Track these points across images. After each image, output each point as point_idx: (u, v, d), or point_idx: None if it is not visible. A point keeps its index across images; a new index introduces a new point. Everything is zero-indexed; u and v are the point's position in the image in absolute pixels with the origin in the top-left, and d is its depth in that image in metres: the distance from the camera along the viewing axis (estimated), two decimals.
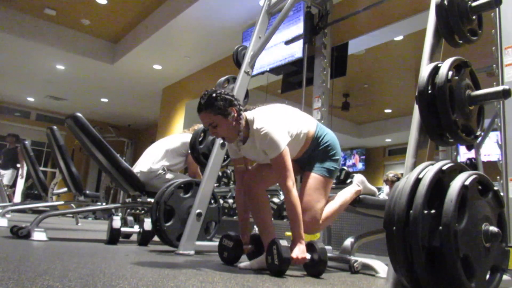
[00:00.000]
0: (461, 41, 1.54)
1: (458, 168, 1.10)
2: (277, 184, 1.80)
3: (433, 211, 1.02)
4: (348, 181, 3.79)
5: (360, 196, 2.05)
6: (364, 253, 2.82)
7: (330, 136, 1.97)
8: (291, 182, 1.72)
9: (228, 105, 1.75)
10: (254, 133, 1.77)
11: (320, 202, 1.87)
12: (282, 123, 1.81)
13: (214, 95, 1.74)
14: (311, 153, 1.94)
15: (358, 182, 2.11)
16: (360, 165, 10.96)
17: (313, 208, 1.84)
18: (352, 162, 11.10)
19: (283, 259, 1.58)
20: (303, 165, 1.98)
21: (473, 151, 3.78)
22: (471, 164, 3.91)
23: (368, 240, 2.35)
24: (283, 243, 1.62)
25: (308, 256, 1.68)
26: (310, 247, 1.74)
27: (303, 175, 1.95)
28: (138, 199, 3.11)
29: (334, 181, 2.00)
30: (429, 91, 1.33)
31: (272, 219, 2.00)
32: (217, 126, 1.76)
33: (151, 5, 6.06)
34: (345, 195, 2.02)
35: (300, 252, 1.65)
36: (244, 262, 1.80)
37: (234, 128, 1.78)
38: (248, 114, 1.83)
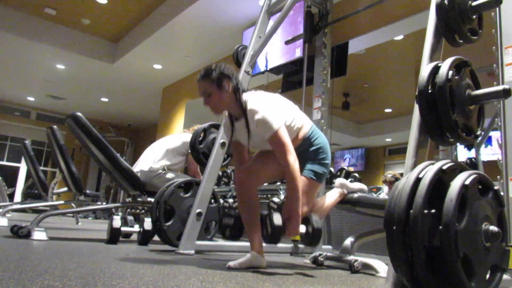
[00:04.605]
0: (461, 41, 1.54)
1: (458, 168, 1.10)
2: (277, 184, 1.81)
3: (433, 210, 1.02)
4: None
5: (360, 196, 2.05)
6: (364, 253, 2.82)
7: (322, 139, 1.95)
8: (291, 157, 1.70)
9: (224, 78, 1.79)
10: (248, 113, 1.77)
11: (305, 206, 1.84)
12: (277, 108, 1.82)
13: (213, 67, 1.81)
14: (301, 153, 1.88)
15: (338, 187, 2.11)
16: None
17: (298, 214, 1.76)
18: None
19: (274, 226, 1.64)
20: None
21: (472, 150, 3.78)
22: (471, 164, 3.91)
23: (368, 240, 2.35)
24: (276, 213, 1.68)
25: (302, 229, 1.74)
26: (304, 220, 1.80)
27: None
28: (138, 199, 3.11)
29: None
30: (429, 91, 1.33)
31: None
32: (210, 95, 1.80)
33: (151, 5, 6.06)
34: (329, 199, 2.04)
35: (293, 226, 1.67)
36: (233, 261, 1.75)
37: (224, 101, 1.81)
38: (245, 95, 1.84)
